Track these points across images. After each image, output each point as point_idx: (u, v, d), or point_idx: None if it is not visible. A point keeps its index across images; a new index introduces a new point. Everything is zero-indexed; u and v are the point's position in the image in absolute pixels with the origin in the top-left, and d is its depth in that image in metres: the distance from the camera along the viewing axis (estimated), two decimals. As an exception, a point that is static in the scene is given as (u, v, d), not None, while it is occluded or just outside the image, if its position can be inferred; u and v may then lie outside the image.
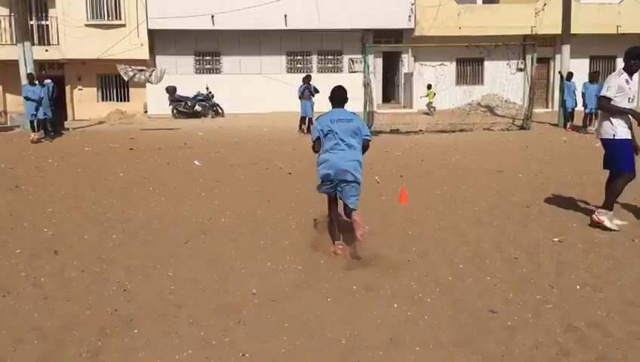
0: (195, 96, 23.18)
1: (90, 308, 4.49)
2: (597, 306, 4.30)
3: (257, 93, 23.64)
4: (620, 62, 26.42)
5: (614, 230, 6.30)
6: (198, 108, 23.13)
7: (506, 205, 7.86)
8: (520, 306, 4.35)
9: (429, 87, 22.74)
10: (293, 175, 10.51)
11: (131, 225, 7.01)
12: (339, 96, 5.84)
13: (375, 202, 8.17)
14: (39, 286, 4.98)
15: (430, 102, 22.82)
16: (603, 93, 6.39)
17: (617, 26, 24.97)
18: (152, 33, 23.93)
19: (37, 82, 16.70)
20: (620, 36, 25.23)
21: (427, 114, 22.14)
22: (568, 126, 17.98)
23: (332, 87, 5.96)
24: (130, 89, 24.39)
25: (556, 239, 6.10)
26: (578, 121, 17.87)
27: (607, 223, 6.38)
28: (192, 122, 21.24)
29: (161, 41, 24.55)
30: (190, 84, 23.32)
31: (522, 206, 7.75)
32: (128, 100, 24.77)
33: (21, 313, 4.42)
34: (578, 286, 4.72)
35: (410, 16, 24.69)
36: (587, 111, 17.16)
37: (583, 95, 17.30)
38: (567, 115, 18.23)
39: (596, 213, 6.55)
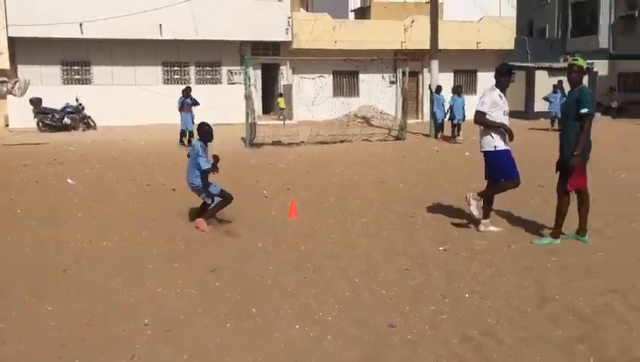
0: (64, 108, 21.70)
1: (-44, 354, 3.97)
2: (487, 314, 4.53)
3: (132, 104, 22.66)
4: (480, 76, 28.67)
5: (476, 217, 6.93)
6: (67, 120, 21.66)
7: (392, 216, 8.13)
8: (417, 318, 4.47)
9: (280, 95, 24.66)
10: (178, 191, 10.11)
11: (-2, 255, 6.35)
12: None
13: (265, 217, 8.09)
14: None
15: (282, 108, 24.23)
16: (478, 108, 6.81)
17: (477, 43, 27.01)
18: (12, 41, 22.10)
19: None
20: (480, 52, 27.33)
21: (281, 119, 23.64)
22: (439, 136, 19.08)
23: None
24: (-12, 101, 22.31)
25: (442, 248, 6.38)
26: (447, 131, 19.03)
27: (473, 209, 6.91)
28: (61, 136, 19.85)
29: (24, 49, 22.75)
30: (58, 95, 21.77)
31: (407, 216, 8.05)
32: (-15, 113, 22.64)
33: None
34: (467, 295, 4.96)
35: (287, 29, 24.98)
36: (455, 122, 18.34)
37: (451, 107, 18.47)
38: (438, 125, 19.34)
39: (470, 195, 6.98)
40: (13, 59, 22.50)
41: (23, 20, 21.45)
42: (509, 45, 27.98)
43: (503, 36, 27.37)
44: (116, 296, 5.04)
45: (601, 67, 32.04)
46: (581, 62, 6.35)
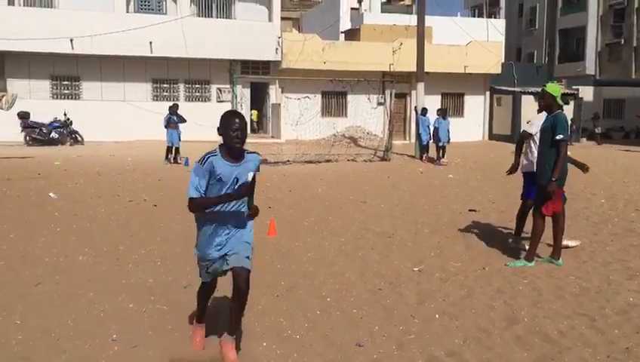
0: (52, 122, 21.68)
1: None
2: (454, 334, 4.56)
3: (120, 120, 22.70)
4: (467, 99, 29.00)
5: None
6: (54, 135, 21.63)
7: (370, 235, 8.17)
8: (385, 338, 4.49)
9: (256, 109, 26.84)
10: (159, 207, 10.14)
11: (-28, 268, 6.31)
12: None
13: (244, 235, 8.08)
14: None
15: (255, 121, 26.13)
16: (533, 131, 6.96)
17: (465, 66, 27.36)
18: (2, 55, 22.13)
19: None
20: (467, 75, 27.67)
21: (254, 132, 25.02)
22: (424, 158, 19.23)
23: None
24: (-26, 114, 22.23)
25: (416, 269, 6.43)
26: (433, 153, 19.17)
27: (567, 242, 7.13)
28: (47, 150, 19.79)
29: (13, 63, 22.79)
30: (46, 109, 21.78)
31: (385, 236, 8.09)
32: (-29, 126, 22.53)
33: None
34: (437, 315, 4.99)
35: (277, 49, 25.20)
36: (440, 144, 18.48)
37: (436, 129, 18.64)
38: (423, 147, 19.50)
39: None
40: (2, 73, 22.52)
41: (13, 34, 21.50)
42: (496, 69, 28.36)
43: (490, 60, 27.76)
44: (86, 311, 5.02)
45: (587, 93, 32.52)
46: (550, 88, 6.47)
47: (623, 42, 39.73)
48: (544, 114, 6.67)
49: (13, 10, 22.56)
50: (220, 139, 4.04)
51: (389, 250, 7.32)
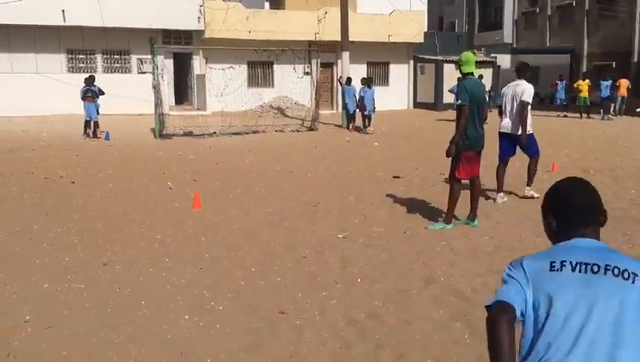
0: (-45, 96, 20.24)
1: None
2: (375, 297, 4.69)
3: (34, 94, 21.47)
4: (392, 68, 29.35)
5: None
6: (-42, 110, 20.22)
7: (296, 205, 8.20)
8: (308, 304, 4.56)
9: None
10: (77, 184, 9.74)
11: None
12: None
13: (167, 209, 7.94)
14: None
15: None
16: (528, 100, 7.85)
17: (389, 35, 27.60)
18: None
19: None
20: (391, 45, 27.95)
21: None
22: (351, 127, 19.40)
23: None
24: None
25: (340, 235, 6.52)
26: (359, 122, 19.38)
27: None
28: (-49, 127, 18.52)
29: None
30: (-52, 83, 20.29)
31: (311, 205, 8.15)
32: None
33: None
34: (359, 280, 5.10)
35: (199, 17, 24.44)
36: (366, 113, 18.67)
37: (361, 98, 18.80)
38: (349, 116, 19.65)
39: (527, 189, 8.32)
40: None
41: None
42: (419, 38, 28.78)
43: (413, 30, 28.10)
44: (-3, 294, 4.80)
45: (505, 61, 33.64)
46: (461, 57, 6.74)
47: (538, 11, 41.21)
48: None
49: None
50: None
51: (315, 218, 7.38)
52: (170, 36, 24.77)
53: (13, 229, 6.85)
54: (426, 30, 29.96)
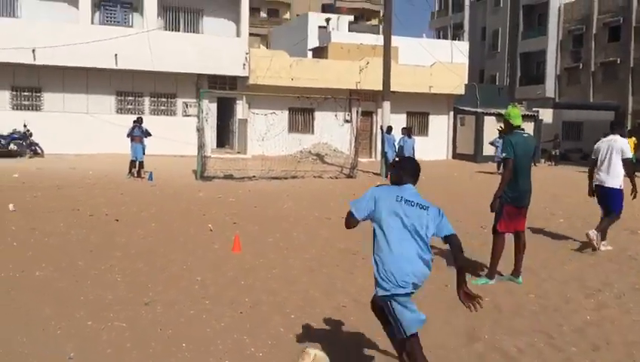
0: (11, 133, 21.13)
1: None
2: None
3: (83, 133, 22.30)
4: (431, 118, 29.48)
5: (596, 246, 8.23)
6: (13, 147, 21.08)
7: (335, 252, 8.18)
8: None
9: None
10: (121, 222, 9.96)
11: None
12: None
13: (207, 251, 8.02)
14: None
15: None
16: (631, 156, 8.28)
17: (430, 86, 27.85)
18: (-40, 64, 21.56)
19: None
20: (432, 95, 28.17)
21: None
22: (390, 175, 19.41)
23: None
24: None
25: (380, 286, 6.44)
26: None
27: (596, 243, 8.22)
28: (5, 162, 19.26)
29: (-28, 72, 22.19)
30: (5, 120, 21.23)
31: (349, 253, 8.11)
32: None
33: None
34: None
35: (244, 64, 25.20)
36: (406, 162, 18.68)
37: (401, 147, 18.86)
38: (389, 165, 19.68)
39: (595, 235, 8.24)
40: (-39, 82, 21.93)
41: (-28, 43, 21.01)
42: (460, 90, 28.95)
43: (454, 82, 28.33)
44: (42, 329, 4.88)
45: (547, 115, 33.42)
46: (509, 111, 6.71)
47: (581, 67, 41.07)
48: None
49: (-27, 18, 22.06)
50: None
51: (354, 266, 7.34)
52: (216, 81, 25.54)
53: (59, 265, 7.00)
54: (466, 82, 30.15)
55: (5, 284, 6.13)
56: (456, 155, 29.92)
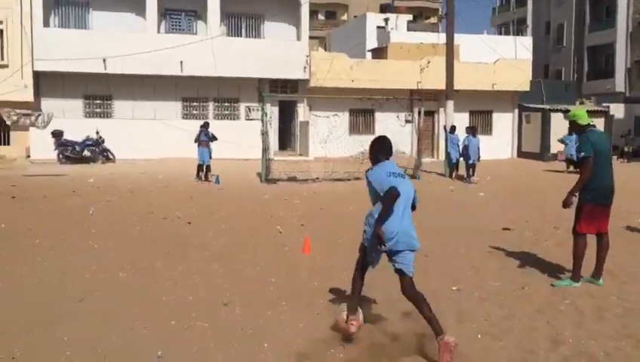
0: (84, 140, 22.13)
1: (-27, 381, 4.04)
2: (498, 356, 4.51)
3: (151, 138, 23.05)
4: (495, 117, 28.80)
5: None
6: (86, 153, 22.07)
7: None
8: (424, 359, 4.47)
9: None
10: (193, 225, 10.25)
11: (14, 283, 6.45)
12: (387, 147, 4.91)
13: (279, 253, 8.15)
14: None
15: None
16: None
17: (493, 84, 27.24)
18: (37, 75, 22.74)
19: None
20: (495, 93, 27.55)
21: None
22: (454, 175, 19.13)
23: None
24: (11, 132, 22.78)
25: (455, 288, 6.38)
26: (463, 171, 19.05)
27: None
28: (80, 168, 20.20)
29: (48, 83, 23.38)
30: (79, 128, 22.25)
31: (420, 254, 8.01)
32: (8, 144, 23.06)
33: None
34: (479, 336, 4.94)
35: (305, 67, 25.43)
36: (470, 162, 18.34)
37: (466, 147, 18.53)
38: (452, 165, 19.41)
39: None
40: (38, 93, 23.11)
41: (48, 55, 22.13)
42: (525, 87, 28.18)
43: (519, 78, 27.60)
44: (130, 328, 5.09)
45: (618, 110, 32.06)
46: (574, 112, 6.52)
47: (653, 59, 39.15)
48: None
49: (48, 31, 23.21)
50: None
51: (426, 268, 7.27)
52: (277, 85, 25.89)
53: (138, 266, 7.28)
54: (531, 79, 29.32)
55: (91, 285, 6.43)
56: (521, 154, 29.13)
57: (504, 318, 5.40)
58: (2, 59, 22.23)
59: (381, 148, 4.84)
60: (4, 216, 10.61)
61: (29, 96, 22.28)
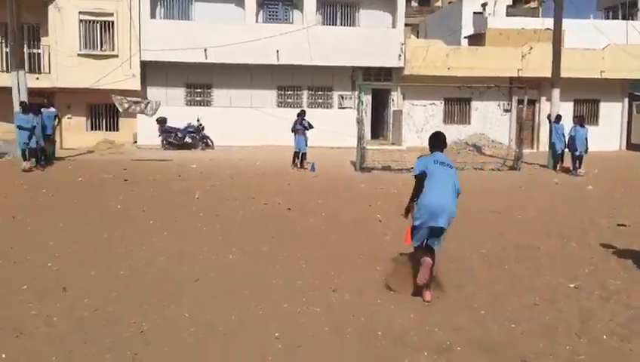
0: (186, 127, 23.07)
1: (109, 350, 4.31)
2: (628, 358, 4.26)
3: (248, 126, 23.65)
4: (602, 106, 27.13)
5: None
6: (188, 139, 23.00)
7: (512, 247, 7.86)
8: (552, 357, 4.29)
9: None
10: (293, 211, 10.42)
11: (136, 261, 6.84)
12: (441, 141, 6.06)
13: (381, 242, 8.12)
14: (52, 325, 4.79)
15: None
16: None
17: (601, 71, 25.65)
18: (143, 64, 23.92)
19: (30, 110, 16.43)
20: (603, 81, 25.93)
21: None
22: (558, 168, 18.23)
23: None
24: (120, 119, 24.18)
25: (572, 285, 6.08)
26: (567, 162, 18.13)
27: None
28: (182, 153, 21.10)
29: (153, 72, 24.53)
30: (180, 115, 23.23)
31: (530, 249, 7.74)
32: (117, 130, 24.53)
33: (38, 356, 4.22)
34: (605, 336, 4.68)
35: (400, 55, 25.08)
36: (577, 154, 17.39)
37: (572, 138, 17.59)
38: (557, 156, 18.50)
39: None
40: (144, 81, 24.31)
41: (154, 46, 23.21)
42: (637, 74, 26.27)
43: (630, 65, 25.78)
44: (246, 309, 5.25)
45: None
46: None
47: None
48: None
49: (154, 22, 24.31)
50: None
51: (538, 263, 6.99)
52: (370, 73, 25.71)
53: (245, 249, 7.50)
54: (644, 65, 27.28)
55: (204, 266, 6.70)
56: (630, 146, 27.29)
57: (631, 319, 5.08)
58: (113, 49, 23.54)
59: (436, 142, 6.01)
60: (120, 199, 11.27)
61: (136, 84, 23.48)
